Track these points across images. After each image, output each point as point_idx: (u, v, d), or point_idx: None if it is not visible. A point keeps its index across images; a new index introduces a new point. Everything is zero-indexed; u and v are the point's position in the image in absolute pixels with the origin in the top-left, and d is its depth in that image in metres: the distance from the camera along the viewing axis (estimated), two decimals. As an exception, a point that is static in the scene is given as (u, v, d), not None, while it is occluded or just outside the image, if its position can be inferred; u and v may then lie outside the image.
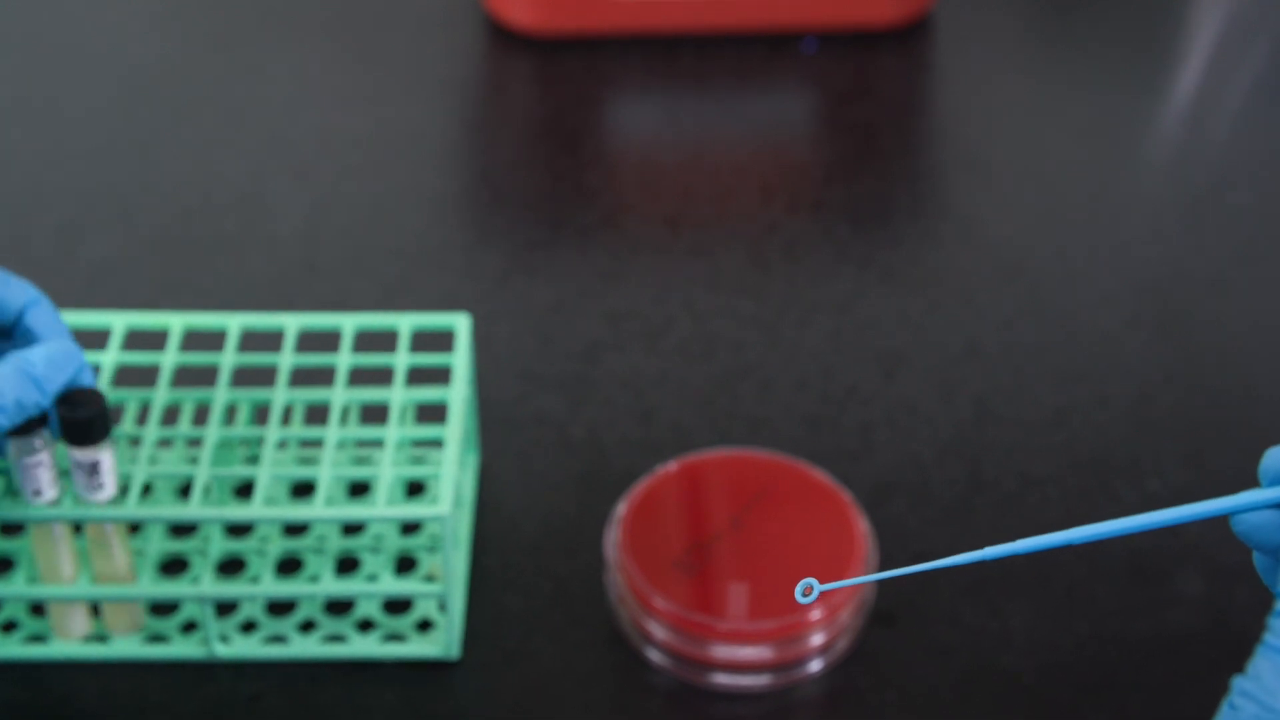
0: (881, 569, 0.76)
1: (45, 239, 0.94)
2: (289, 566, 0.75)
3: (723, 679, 0.71)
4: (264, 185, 0.99)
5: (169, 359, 0.74)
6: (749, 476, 0.76)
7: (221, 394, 0.72)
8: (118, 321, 0.75)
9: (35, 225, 0.95)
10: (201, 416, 0.76)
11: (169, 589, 0.69)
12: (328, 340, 0.77)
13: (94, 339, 0.77)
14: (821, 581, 0.49)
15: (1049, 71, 1.10)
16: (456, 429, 0.71)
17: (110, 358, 0.73)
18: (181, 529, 0.76)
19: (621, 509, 0.74)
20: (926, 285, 0.93)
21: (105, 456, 0.65)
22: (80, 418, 0.64)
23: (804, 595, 0.48)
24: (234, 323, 0.75)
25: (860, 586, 0.73)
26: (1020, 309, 0.91)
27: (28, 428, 0.63)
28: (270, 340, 0.78)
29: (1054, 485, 0.81)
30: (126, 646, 0.71)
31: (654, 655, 0.72)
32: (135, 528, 0.75)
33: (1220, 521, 0.78)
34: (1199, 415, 0.86)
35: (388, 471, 0.69)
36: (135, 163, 1.00)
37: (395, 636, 0.72)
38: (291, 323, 0.75)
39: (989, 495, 0.81)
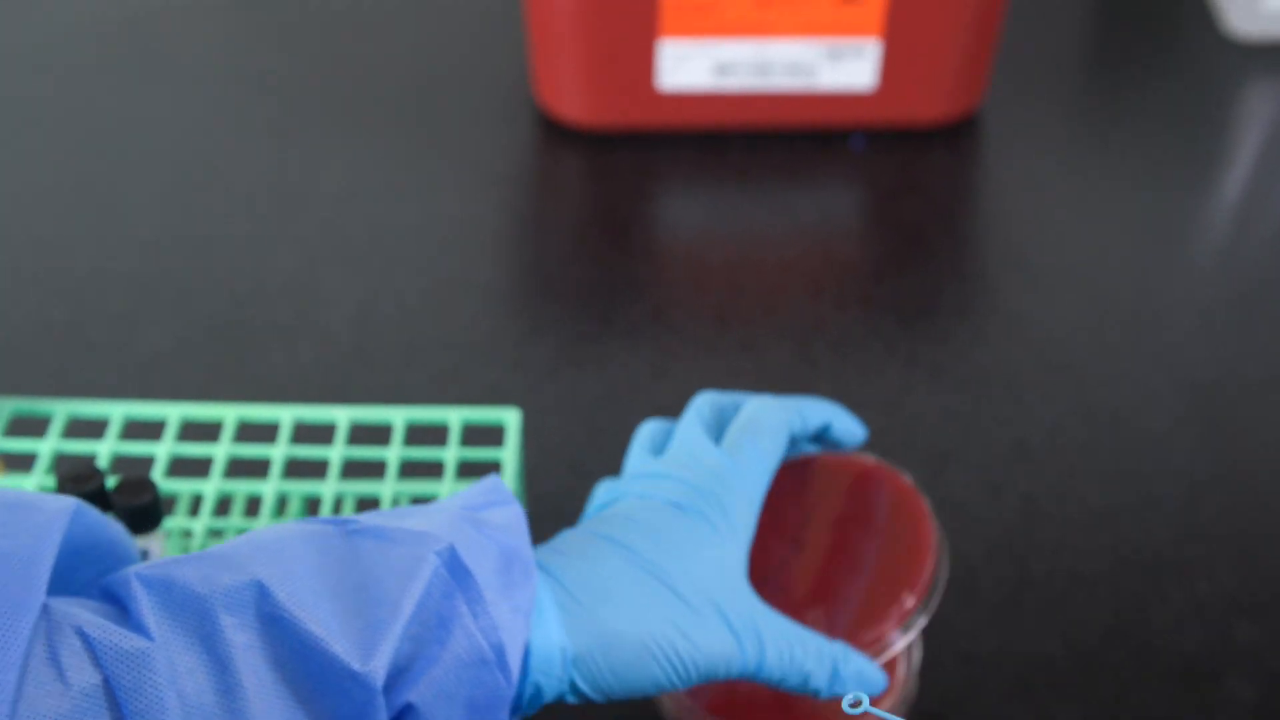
0: (927, 665, 0.76)
1: (102, 327, 0.96)
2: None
3: None
4: (317, 275, 1.00)
5: (222, 450, 0.74)
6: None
7: (273, 486, 0.73)
8: (173, 413, 0.76)
9: (93, 313, 0.97)
10: (253, 508, 0.77)
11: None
12: (379, 433, 0.78)
13: (149, 430, 0.78)
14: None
15: (1096, 169, 1.11)
16: (506, 523, 0.71)
17: (165, 449, 0.74)
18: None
19: None
20: (974, 383, 0.93)
21: (155, 545, 0.66)
22: (135, 505, 0.64)
23: (851, 707, 0.48)
24: (286, 415, 0.76)
25: (903, 679, 0.73)
26: (1068, 407, 0.91)
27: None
28: (323, 433, 0.78)
29: (1103, 585, 0.81)
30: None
31: None
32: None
33: (1273, 625, 0.78)
34: (1249, 517, 0.85)
35: (437, 565, 0.69)
36: (191, 251, 1.02)
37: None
38: (343, 416, 0.76)
39: (1038, 594, 0.80)
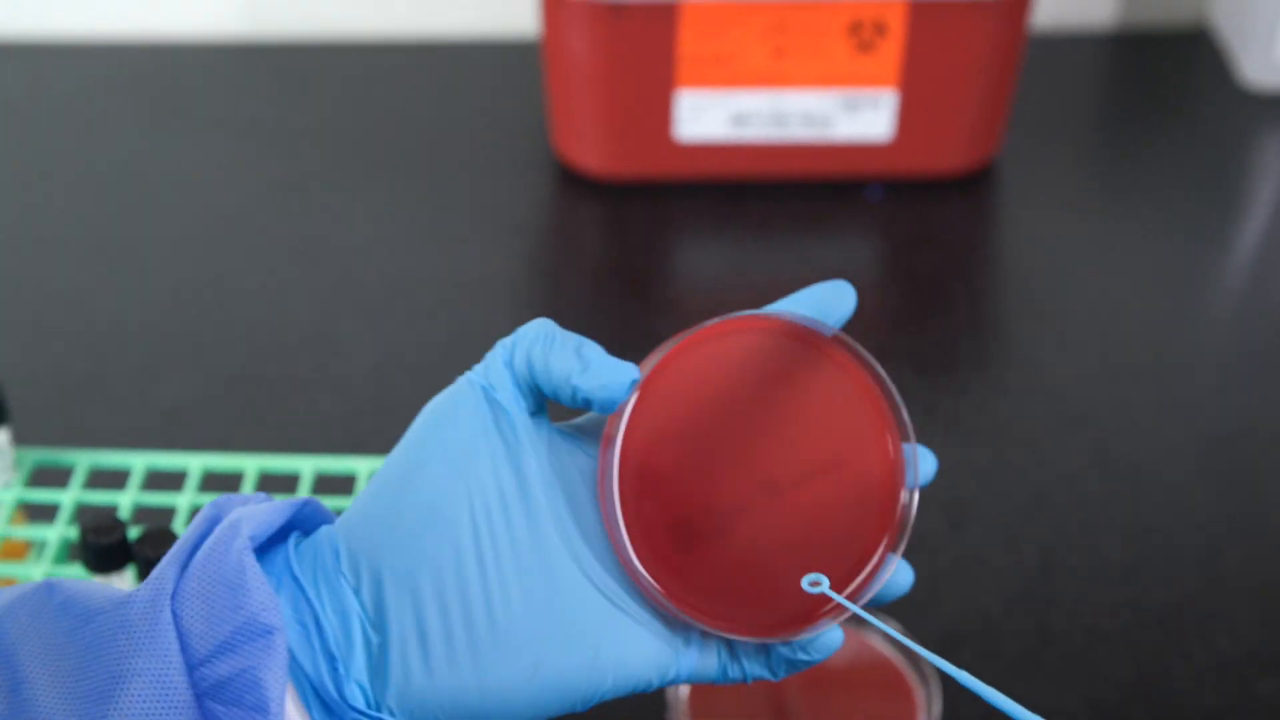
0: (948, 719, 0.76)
1: (122, 378, 0.96)
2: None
3: None
4: (336, 326, 1.00)
5: (243, 501, 0.74)
6: None
7: (295, 537, 0.73)
8: (194, 463, 0.76)
9: (113, 364, 0.97)
10: (273, 559, 0.77)
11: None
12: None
13: (170, 480, 0.78)
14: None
15: (1113, 220, 1.11)
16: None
17: (187, 499, 0.74)
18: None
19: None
20: (992, 434, 0.93)
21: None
22: (157, 556, 0.64)
23: (811, 586, 0.48)
24: (307, 466, 0.76)
25: None
26: (1087, 460, 0.91)
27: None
28: (343, 483, 0.78)
29: (1124, 640, 0.81)
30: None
31: None
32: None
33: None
34: (1270, 570, 0.85)
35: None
36: (211, 303, 1.02)
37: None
38: (363, 466, 0.76)
39: (1058, 649, 0.80)
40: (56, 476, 0.80)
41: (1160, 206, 1.12)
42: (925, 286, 1.05)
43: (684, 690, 0.72)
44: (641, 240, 1.09)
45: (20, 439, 0.82)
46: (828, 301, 0.55)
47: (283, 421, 0.93)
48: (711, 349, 0.53)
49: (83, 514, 0.76)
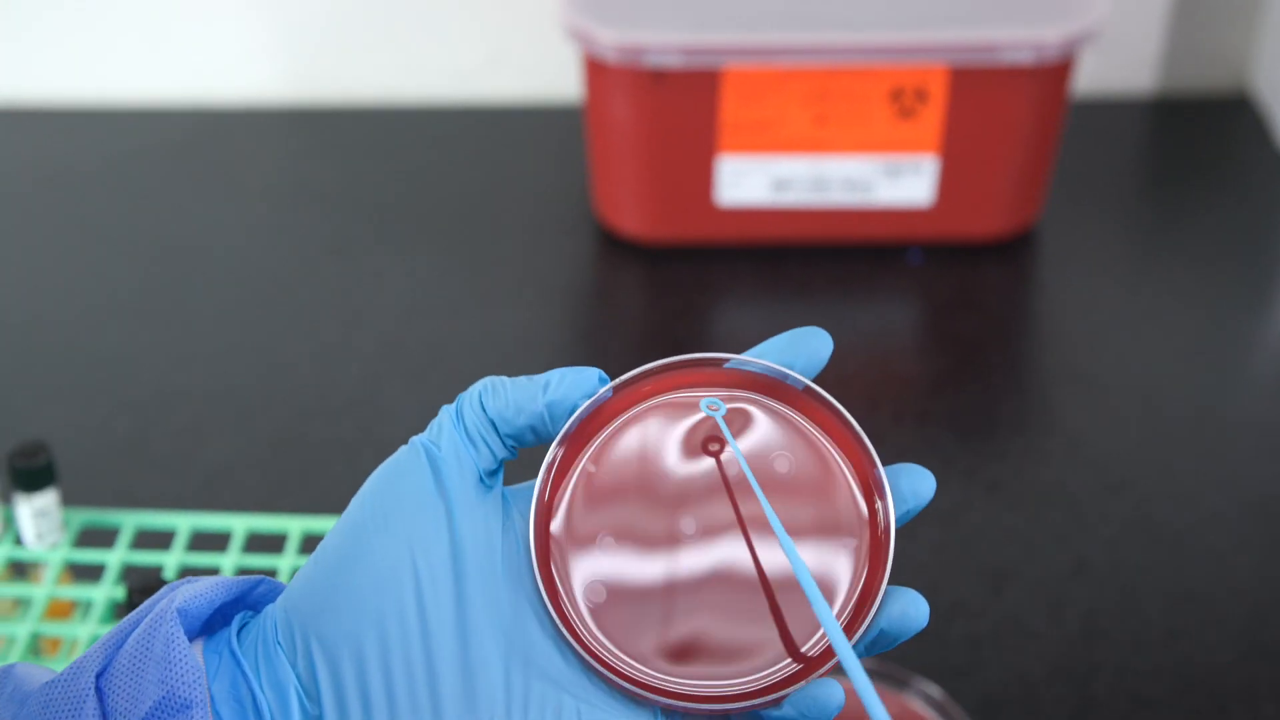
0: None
1: (167, 440, 0.97)
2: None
3: None
4: (379, 389, 1.01)
5: (287, 562, 0.75)
6: None
7: (337, 599, 0.73)
8: (238, 524, 0.77)
9: (158, 426, 0.98)
10: (316, 620, 0.77)
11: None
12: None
13: (214, 541, 0.79)
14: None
15: (1154, 286, 1.11)
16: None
17: (230, 560, 0.75)
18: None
19: None
20: (1033, 499, 0.93)
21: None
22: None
23: (710, 410, 0.47)
24: (351, 528, 0.76)
25: None
26: (1128, 526, 0.91)
27: None
28: (385, 546, 0.79)
29: (1166, 708, 0.80)
30: None
31: None
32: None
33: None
34: (1313, 637, 0.85)
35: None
36: (255, 365, 1.03)
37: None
38: (407, 529, 0.76)
39: (1100, 716, 0.80)
40: (103, 537, 0.80)
41: (1201, 272, 1.12)
42: (965, 350, 1.05)
43: None
44: (682, 303, 1.09)
45: (68, 500, 0.83)
46: (798, 349, 0.53)
47: (326, 484, 0.94)
48: (659, 411, 0.51)
49: (129, 574, 0.77)
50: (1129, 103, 1.30)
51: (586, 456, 0.50)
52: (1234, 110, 1.29)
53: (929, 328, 1.09)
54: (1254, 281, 1.12)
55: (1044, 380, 1.04)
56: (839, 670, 0.46)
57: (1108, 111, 1.28)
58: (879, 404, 1.00)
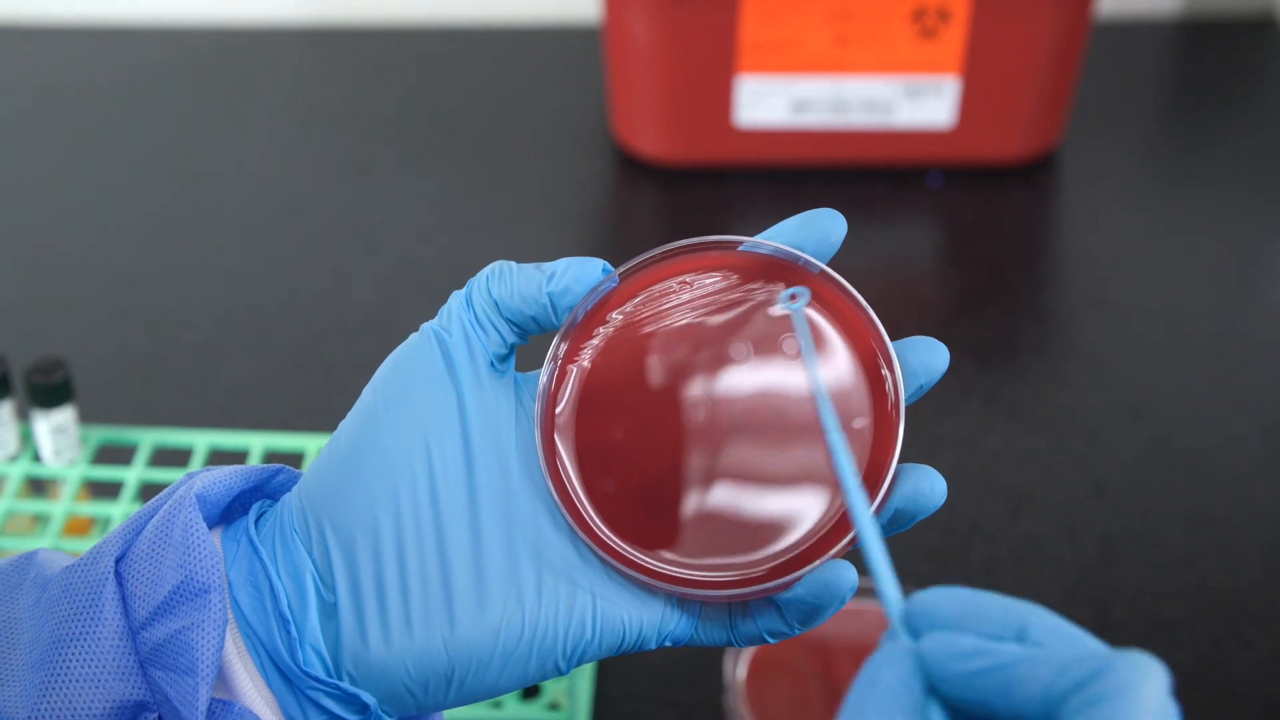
0: None
1: (185, 359, 0.97)
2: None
3: None
4: (396, 309, 1.01)
5: (305, 481, 0.75)
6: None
7: (355, 517, 0.73)
8: (256, 442, 0.77)
9: (176, 345, 0.98)
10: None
11: None
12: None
13: (232, 459, 0.79)
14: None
15: (1175, 209, 1.10)
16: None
17: (248, 478, 0.75)
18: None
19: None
20: (1052, 423, 0.93)
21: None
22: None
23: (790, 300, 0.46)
24: (369, 446, 0.76)
25: None
26: (1148, 449, 0.91)
27: None
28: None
29: (1184, 629, 0.80)
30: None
31: None
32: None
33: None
34: (1332, 562, 0.84)
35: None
36: (273, 285, 1.03)
37: (518, 764, 0.72)
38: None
39: (1117, 638, 0.80)
40: (121, 454, 0.81)
41: (1223, 197, 1.11)
42: (985, 274, 1.04)
43: (741, 670, 0.72)
44: (700, 225, 1.09)
45: (85, 418, 0.83)
46: (810, 231, 0.51)
47: (343, 403, 0.93)
48: (672, 292, 0.51)
49: (146, 491, 0.77)
50: (1153, 25, 1.28)
51: (592, 347, 0.50)
52: (1259, 33, 1.27)
53: (949, 251, 1.09)
54: (1277, 206, 1.11)
55: (1064, 304, 1.04)
56: (855, 555, 0.46)
57: (1132, 33, 1.27)
58: (899, 327, 0.99)
